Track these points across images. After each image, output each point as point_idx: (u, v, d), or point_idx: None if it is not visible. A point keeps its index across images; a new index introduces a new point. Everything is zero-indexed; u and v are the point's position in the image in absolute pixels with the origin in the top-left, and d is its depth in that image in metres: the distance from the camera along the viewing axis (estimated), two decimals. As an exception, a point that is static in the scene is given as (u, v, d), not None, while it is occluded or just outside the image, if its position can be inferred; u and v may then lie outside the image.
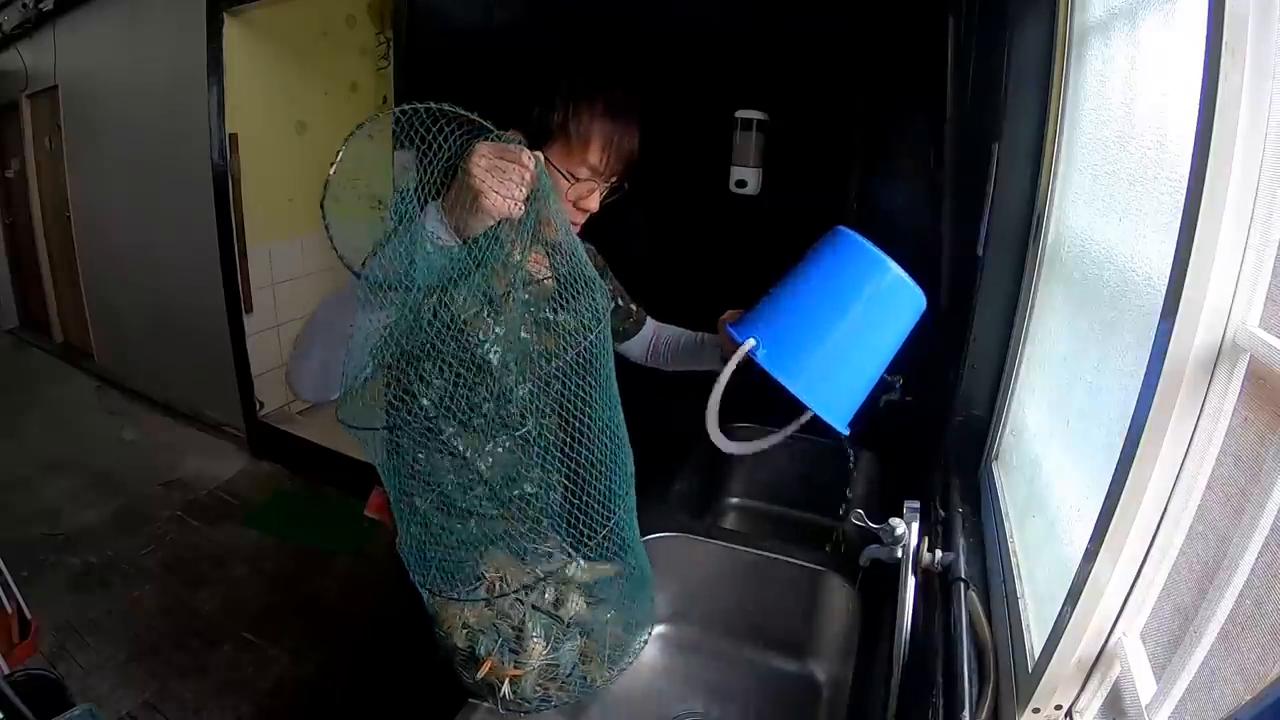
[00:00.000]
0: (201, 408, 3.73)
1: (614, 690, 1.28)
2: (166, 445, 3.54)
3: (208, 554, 2.66)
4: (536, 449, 0.84)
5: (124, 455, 3.43)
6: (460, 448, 0.88)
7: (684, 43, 1.87)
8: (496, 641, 0.82)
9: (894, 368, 1.68)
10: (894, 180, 1.75)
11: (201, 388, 3.68)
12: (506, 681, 0.81)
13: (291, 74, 3.29)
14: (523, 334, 0.84)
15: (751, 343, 0.87)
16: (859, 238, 0.93)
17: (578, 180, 1.00)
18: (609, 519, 0.80)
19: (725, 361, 0.90)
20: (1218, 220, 0.53)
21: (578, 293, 0.80)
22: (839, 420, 0.91)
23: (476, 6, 2.20)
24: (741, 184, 1.83)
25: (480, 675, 0.82)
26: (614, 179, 1.03)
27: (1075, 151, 1.09)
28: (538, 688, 0.83)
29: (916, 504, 1.04)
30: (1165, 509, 0.61)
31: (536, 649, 0.81)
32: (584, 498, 0.79)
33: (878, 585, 1.20)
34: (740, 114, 1.80)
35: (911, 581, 0.96)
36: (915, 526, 1.01)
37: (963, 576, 0.96)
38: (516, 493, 0.86)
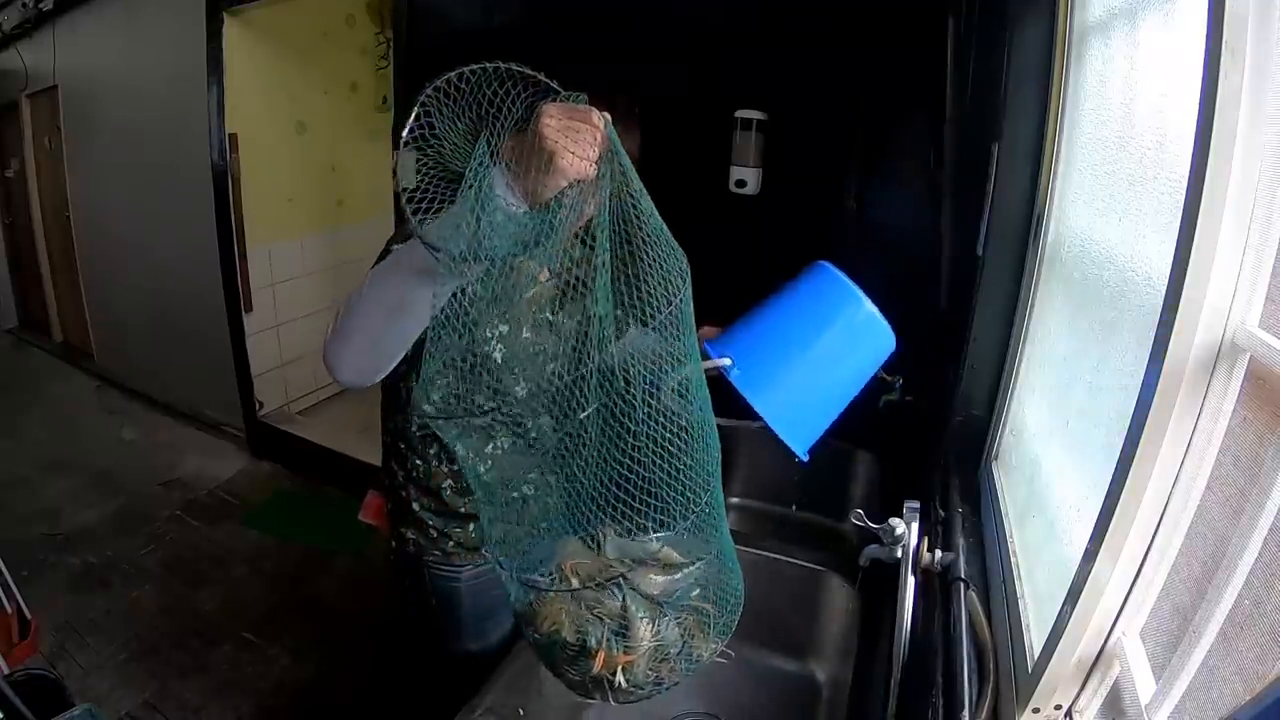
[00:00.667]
0: (201, 407, 3.73)
1: (614, 690, 1.29)
2: (166, 445, 3.54)
3: (207, 554, 2.66)
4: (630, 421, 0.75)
5: (124, 455, 3.43)
6: (543, 428, 0.82)
7: (684, 43, 1.87)
8: (602, 631, 0.78)
9: (894, 368, 1.69)
10: (894, 180, 1.75)
11: (201, 387, 3.67)
12: (620, 670, 0.78)
13: (291, 74, 3.29)
14: (601, 304, 0.75)
15: (727, 361, 0.89)
16: (838, 272, 0.96)
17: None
18: (709, 486, 0.75)
19: None
20: (1217, 220, 0.53)
21: (664, 252, 0.74)
22: (800, 446, 0.93)
23: (476, 6, 2.20)
24: (741, 184, 1.83)
25: (596, 669, 0.78)
26: None
27: (1075, 151, 1.09)
28: (649, 671, 0.80)
29: (916, 504, 1.04)
30: (1165, 509, 0.61)
31: (645, 631, 0.78)
32: (681, 466, 0.73)
33: (878, 585, 1.20)
34: (740, 114, 1.80)
35: (911, 581, 0.96)
36: (915, 526, 1.01)
37: (962, 576, 0.96)
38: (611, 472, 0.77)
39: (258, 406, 3.41)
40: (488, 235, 0.68)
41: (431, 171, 0.76)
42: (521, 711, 1.03)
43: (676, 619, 0.82)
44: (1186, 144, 0.57)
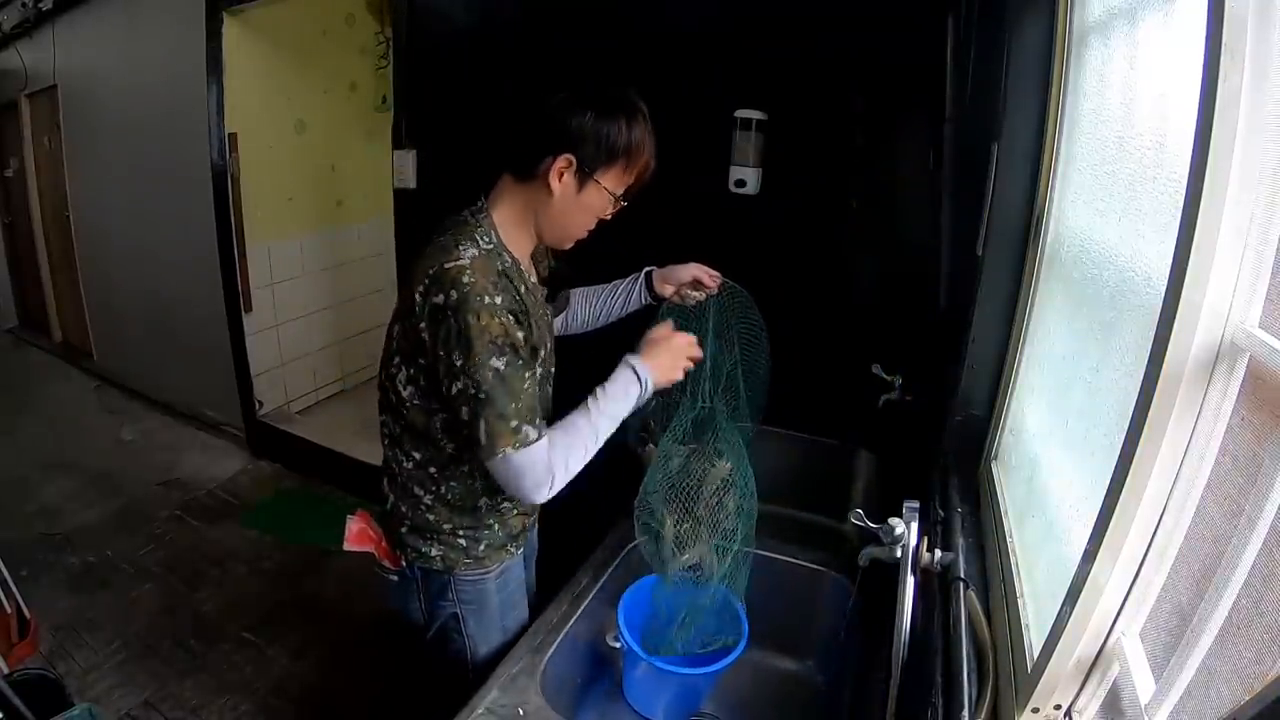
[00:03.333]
0: (201, 407, 3.72)
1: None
2: (166, 445, 3.54)
3: (207, 553, 2.66)
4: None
5: (123, 455, 3.43)
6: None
7: (684, 43, 1.87)
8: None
9: (893, 368, 1.69)
10: (894, 180, 1.75)
11: (201, 387, 3.67)
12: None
13: (291, 73, 3.28)
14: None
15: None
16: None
17: (619, 201, 1.07)
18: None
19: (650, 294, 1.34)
20: (1217, 220, 0.53)
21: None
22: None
23: (476, 6, 2.20)
24: (741, 184, 1.83)
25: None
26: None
27: (1075, 151, 1.09)
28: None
29: (916, 504, 1.04)
30: (1164, 509, 0.61)
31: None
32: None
33: (878, 585, 1.20)
34: (740, 114, 1.80)
35: (911, 581, 0.96)
36: (914, 526, 1.01)
37: (962, 576, 0.96)
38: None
39: (257, 406, 3.41)
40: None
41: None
42: (521, 711, 1.03)
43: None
44: (1186, 144, 0.57)
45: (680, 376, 1.15)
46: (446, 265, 0.96)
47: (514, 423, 0.97)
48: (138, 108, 3.51)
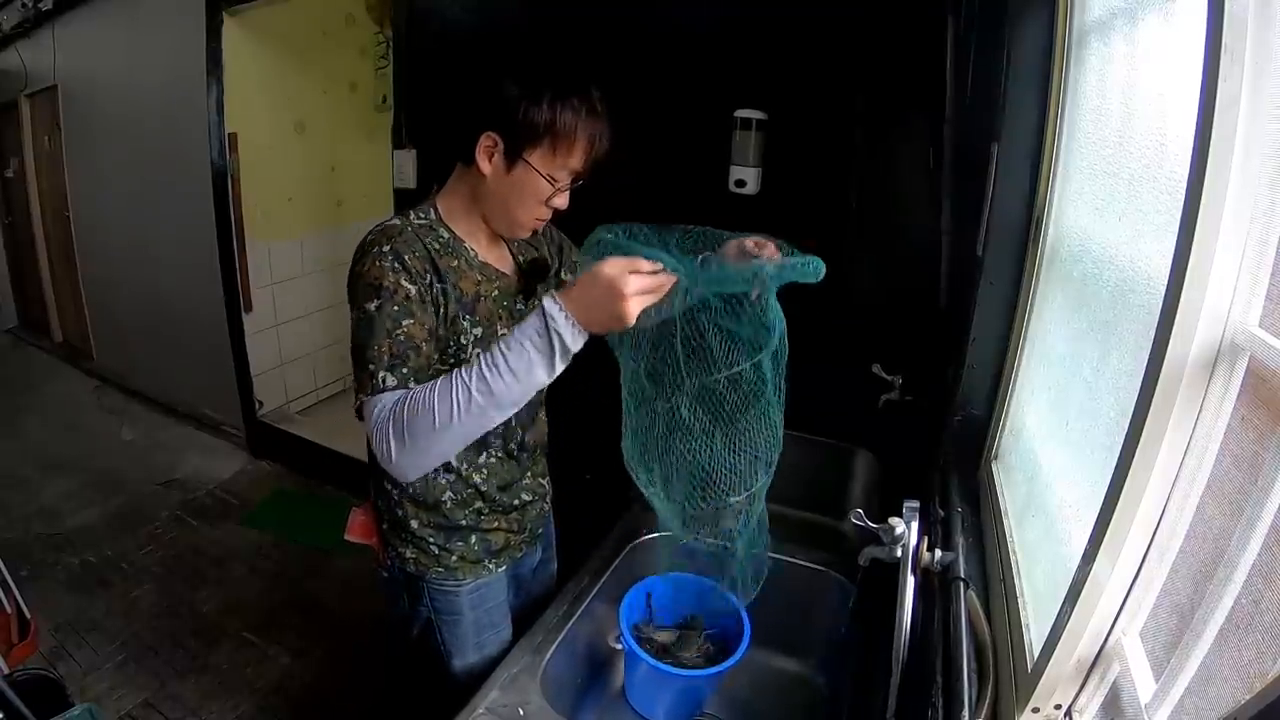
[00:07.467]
0: (200, 407, 3.73)
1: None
2: (165, 445, 3.54)
3: (207, 553, 2.66)
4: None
5: (123, 455, 3.43)
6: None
7: (684, 43, 1.87)
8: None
9: (893, 368, 1.69)
10: (894, 180, 1.75)
11: (200, 387, 3.67)
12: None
13: (291, 73, 3.28)
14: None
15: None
16: None
17: (556, 184, 0.99)
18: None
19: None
20: (1217, 220, 0.53)
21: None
22: None
23: (476, 7, 2.20)
24: (741, 184, 1.83)
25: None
26: (582, 179, 1.03)
27: (1075, 151, 1.09)
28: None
29: (916, 503, 1.04)
30: (1164, 508, 0.61)
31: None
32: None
33: (878, 585, 1.20)
34: (740, 114, 1.80)
35: (911, 581, 0.96)
36: (915, 526, 1.01)
37: (962, 576, 0.96)
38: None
39: (257, 406, 3.41)
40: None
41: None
42: (521, 711, 1.03)
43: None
44: (1186, 144, 0.57)
45: (628, 320, 0.81)
46: (386, 220, 0.98)
47: (371, 367, 0.90)
48: (138, 108, 3.51)
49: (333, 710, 2.00)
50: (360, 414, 0.95)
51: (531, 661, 1.13)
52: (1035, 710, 0.72)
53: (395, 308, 0.92)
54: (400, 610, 1.22)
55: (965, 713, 0.76)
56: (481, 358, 0.86)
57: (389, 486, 1.13)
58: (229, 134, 3.06)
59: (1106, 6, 0.97)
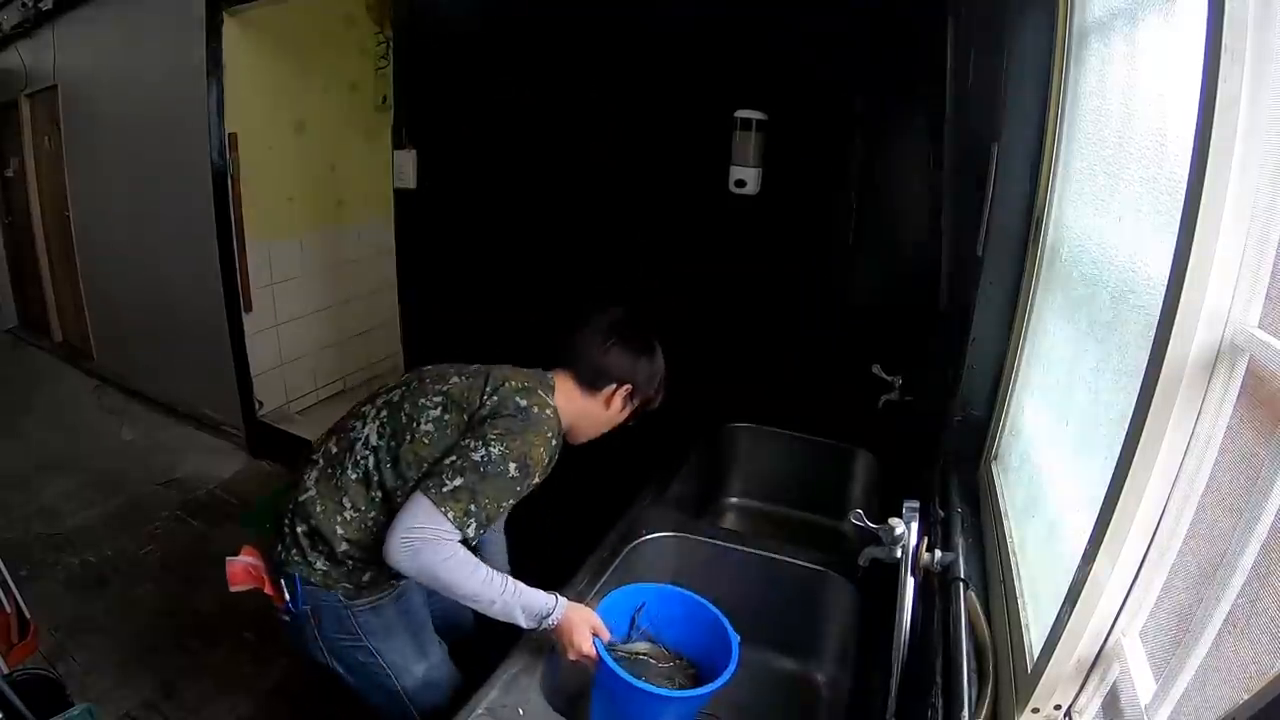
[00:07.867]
0: (200, 407, 3.72)
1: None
2: (165, 445, 3.54)
3: (207, 554, 2.66)
4: None
5: (123, 455, 3.42)
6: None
7: (685, 43, 1.87)
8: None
9: (893, 368, 1.69)
10: (894, 180, 1.75)
11: (200, 387, 3.67)
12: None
13: (291, 73, 3.28)
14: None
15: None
16: None
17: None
18: None
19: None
20: (1217, 221, 0.53)
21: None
22: None
23: (476, 7, 2.20)
24: (741, 184, 1.83)
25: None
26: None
27: (1075, 151, 1.09)
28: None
29: (916, 504, 1.04)
30: (1164, 509, 0.61)
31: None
32: None
33: (878, 585, 1.20)
34: (740, 114, 1.80)
35: (911, 581, 0.96)
36: (914, 526, 1.01)
37: (962, 576, 0.96)
38: None
39: (257, 406, 3.41)
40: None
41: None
42: (521, 711, 1.03)
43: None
44: (1186, 144, 0.57)
45: (569, 656, 1.11)
46: (542, 394, 1.20)
47: (473, 508, 1.08)
48: (138, 107, 3.51)
49: (332, 710, 2.00)
50: (425, 496, 1.08)
51: (531, 661, 1.13)
52: (1035, 710, 0.72)
53: (520, 489, 1.14)
54: (315, 651, 1.27)
55: (965, 713, 0.76)
56: (512, 587, 1.11)
57: (347, 504, 1.22)
58: (229, 134, 3.06)
59: (1106, 6, 0.97)
